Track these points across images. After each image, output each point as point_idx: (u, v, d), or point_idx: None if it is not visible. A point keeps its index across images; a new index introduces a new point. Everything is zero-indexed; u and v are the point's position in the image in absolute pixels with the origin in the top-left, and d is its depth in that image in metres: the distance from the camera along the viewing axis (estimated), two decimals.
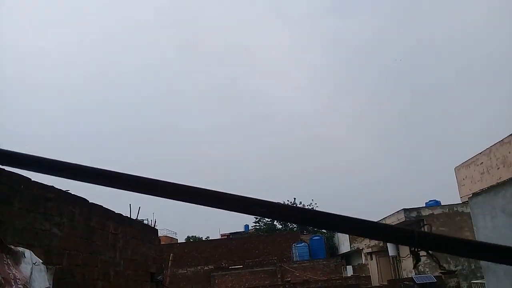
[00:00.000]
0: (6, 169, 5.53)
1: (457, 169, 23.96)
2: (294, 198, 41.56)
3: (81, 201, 6.87)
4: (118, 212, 8.25)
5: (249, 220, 42.89)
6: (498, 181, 13.64)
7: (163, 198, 1.45)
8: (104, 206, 7.55)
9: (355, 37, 71.47)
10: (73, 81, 70.34)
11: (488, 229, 12.40)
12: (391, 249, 23.95)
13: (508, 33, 58.96)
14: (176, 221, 53.39)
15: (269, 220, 41.47)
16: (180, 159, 63.48)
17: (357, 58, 72.10)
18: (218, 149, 67.29)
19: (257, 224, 42.01)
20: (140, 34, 74.87)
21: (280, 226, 41.25)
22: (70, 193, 6.74)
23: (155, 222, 26.78)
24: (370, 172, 59.61)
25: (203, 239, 44.34)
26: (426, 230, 18.88)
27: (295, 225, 40.81)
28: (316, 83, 73.53)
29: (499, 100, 54.75)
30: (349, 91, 72.45)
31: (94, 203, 7.15)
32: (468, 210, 14.37)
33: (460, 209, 20.09)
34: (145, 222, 26.70)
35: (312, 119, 70.02)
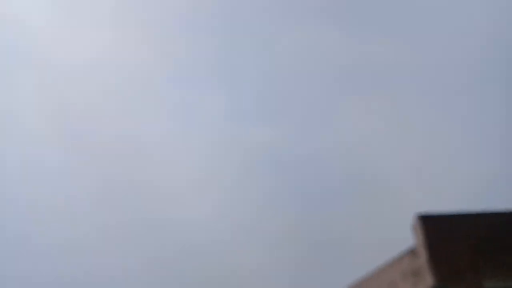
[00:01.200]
0: None
1: None
2: None
3: None
4: None
5: None
6: None
7: None
8: None
9: (276, 148, 72.22)
10: None
11: None
12: None
13: None
14: None
15: None
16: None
17: (276, 171, 72.40)
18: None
19: None
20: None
21: None
22: None
23: None
24: None
25: None
26: None
27: None
28: (230, 202, 71.82)
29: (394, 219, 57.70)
30: (266, 209, 71.72)
31: None
32: None
33: None
34: None
35: (221, 249, 67.11)
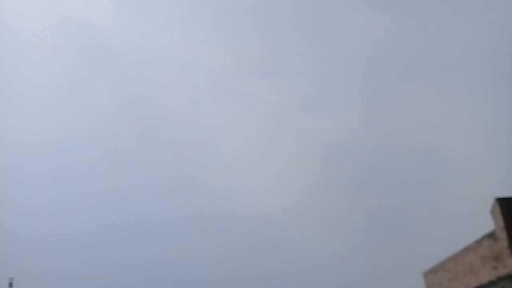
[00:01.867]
0: None
1: (426, 274, 23.54)
2: None
3: None
4: None
5: None
6: None
7: None
8: None
9: (328, 134, 72.99)
10: None
11: None
12: None
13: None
14: None
15: None
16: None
17: (330, 156, 73.06)
18: (182, 245, 64.09)
19: None
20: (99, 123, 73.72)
21: None
22: None
23: None
24: (336, 275, 57.85)
25: None
26: None
27: None
28: (286, 183, 73.61)
29: (466, 201, 55.83)
30: (319, 190, 72.68)
31: None
32: None
33: None
34: None
35: (278, 218, 68.89)
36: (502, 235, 16.08)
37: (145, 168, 71.82)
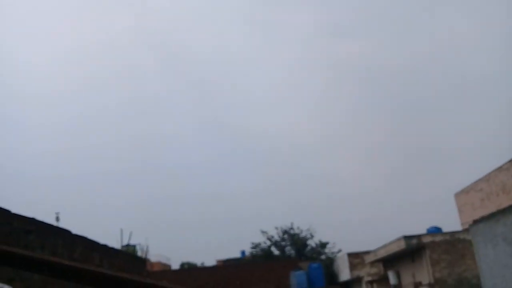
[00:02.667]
0: None
1: (457, 195, 23.64)
2: (291, 223, 40.98)
3: (64, 233, 6.57)
4: (103, 243, 7.90)
5: (246, 245, 42.18)
6: (498, 208, 13.34)
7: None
8: (88, 237, 7.23)
9: (364, 61, 70.48)
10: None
11: (489, 257, 12.05)
12: (392, 277, 23.41)
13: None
14: (170, 246, 52.39)
15: (266, 246, 40.83)
16: (174, 195, 61.54)
17: (366, 84, 70.92)
18: (214, 181, 65.72)
19: (254, 250, 41.30)
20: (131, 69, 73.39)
21: (278, 253, 40.53)
22: (52, 225, 6.43)
23: (147, 248, 26.30)
24: (371, 203, 58.83)
25: (198, 265, 43.51)
26: (428, 257, 18.35)
27: (292, 252, 40.12)
28: (320, 113, 72.55)
29: (497, 121, 54.43)
30: (356, 121, 71.52)
31: (78, 235, 6.83)
32: (470, 237, 14.01)
33: (462, 236, 19.65)
34: (137, 247, 26.21)
35: (313, 151, 68.93)
36: None
37: (174, 109, 72.51)
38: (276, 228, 40.76)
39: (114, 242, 21.57)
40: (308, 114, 71.81)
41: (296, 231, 40.68)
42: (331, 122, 70.27)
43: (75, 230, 6.71)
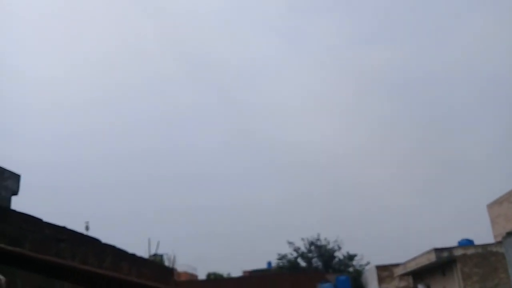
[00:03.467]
0: (16, 210, 5.47)
1: (490, 206, 22.95)
2: (318, 234, 40.58)
3: (94, 242, 6.71)
4: (132, 253, 8.03)
5: (272, 256, 41.95)
6: None
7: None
8: (117, 246, 7.38)
9: (394, 70, 69.47)
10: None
11: None
12: None
13: None
14: (197, 256, 52.59)
15: (293, 257, 40.50)
16: (205, 205, 61.95)
17: (396, 94, 69.82)
18: (243, 192, 65.74)
19: (280, 261, 41.02)
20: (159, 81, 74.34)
21: (304, 264, 40.14)
22: (83, 234, 6.59)
23: (174, 258, 26.46)
24: (401, 214, 57.66)
25: (224, 276, 43.52)
26: (459, 271, 17.81)
27: (319, 264, 39.66)
28: (350, 124, 71.70)
29: None
30: (386, 132, 70.50)
31: (107, 244, 6.97)
32: (503, 250, 13.58)
33: (494, 249, 19.05)
34: (164, 257, 26.41)
35: (343, 162, 68.12)
36: None
37: (203, 120, 73.25)
38: (303, 239, 40.45)
39: (142, 251, 21.84)
40: (338, 125, 71.20)
41: (323, 242, 40.27)
42: (361, 133, 69.40)
43: (104, 239, 6.87)
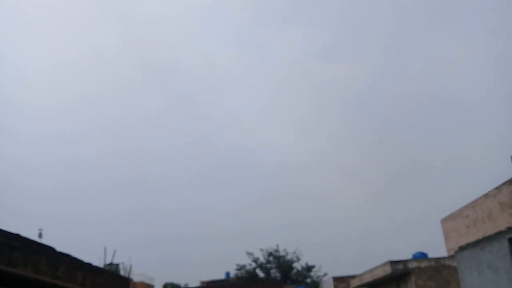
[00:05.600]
0: None
1: (444, 221, 23.72)
2: (277, 245, 40.66)
3: (48, 250, 6.43)
4: (87, 262, 7.75)
5: (231, 267, 41.61)
6: (484, 235, 13.41)
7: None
8: (72, 255, 7.10)
9: (352, 84, 71.51)
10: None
11: (475, 284, 12.03)
12: None
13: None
14: (154, 265, 51.43)
15: (251, 268, 40.34)
16: (159, 208, 60.90)
17: (351, 107, 71.74)
18: (200, 198, 65.20)
19: (239, 272, 40.77)
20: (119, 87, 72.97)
21: (263, 275, 40.06)
22: (37, 242, 6.31)
23: (131, 267, 25.83)
24: (355, 223, 58.78)
25: (182, 286, 42.77)
26: (413, 283, 18.28)
27: (278, 275, 39.69)
28: (307, 133, 72.94)
29: (486, 148, 55.22)
30: (340, 142, 72.13)
31: (62, 252, 6.68)
32: (456, 264, 14.02)
33: (447, 263, 19.66)
34: (120, 266, 25.71)
35: (298, 170, 68.96)
36: None
37: (162, 125, 72.34)
38: (262, 250, 40.43)
39: (97, 259, 21.16)
40: (295, 133, 72.37)
41: (282, 253, 40.37)
42: (318, 142, 70.81)
43: (59, 247, 6.59)
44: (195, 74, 73.83)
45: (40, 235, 12.25)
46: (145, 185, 64.56)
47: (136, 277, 32.34)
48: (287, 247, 40.37)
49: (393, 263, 20.36)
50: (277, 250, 40.39)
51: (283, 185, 65.20)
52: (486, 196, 18.63)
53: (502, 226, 17.41)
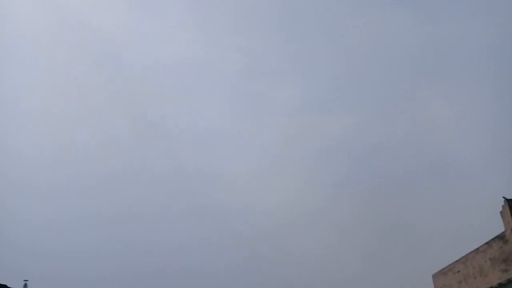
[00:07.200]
0: None
1: (435, 276, 23.45)
2: None
3: None
4: None
5: None
6: None
7: None
8: None
9: (345, 138, 71.88)
10: None
11: None
12: None
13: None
14: None
15: None
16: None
17: (346, 162, 71.62)
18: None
19: None
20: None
21: None
22: None
23: None
24: (345, 280, 57.28)
25: None
26: None
27: None
28: (299, 191, 72.31)
29: (474, 203, 55.32)
30: (334, 199, 71.51)
31: None
32: None
33: None
34: None
35: (289, 229, 67.66)
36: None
37: (144, 179, 71.04)
38: None
39: None
40: (286, 192, 71.69)
41: None
42: (311, 199, 70.21)
43: None
44: (185, 130, 73.97)
45: (25, 286, 11.87)
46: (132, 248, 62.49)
47: None
48: None
49: None
50: None
51: (275, 244, 63.64)
52: (476, 251, 18.62)
53: (494, 282, 17.31)
